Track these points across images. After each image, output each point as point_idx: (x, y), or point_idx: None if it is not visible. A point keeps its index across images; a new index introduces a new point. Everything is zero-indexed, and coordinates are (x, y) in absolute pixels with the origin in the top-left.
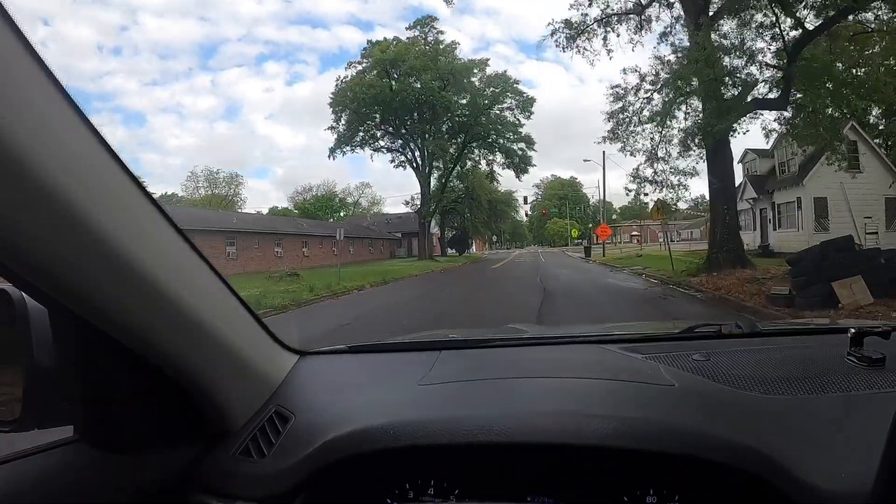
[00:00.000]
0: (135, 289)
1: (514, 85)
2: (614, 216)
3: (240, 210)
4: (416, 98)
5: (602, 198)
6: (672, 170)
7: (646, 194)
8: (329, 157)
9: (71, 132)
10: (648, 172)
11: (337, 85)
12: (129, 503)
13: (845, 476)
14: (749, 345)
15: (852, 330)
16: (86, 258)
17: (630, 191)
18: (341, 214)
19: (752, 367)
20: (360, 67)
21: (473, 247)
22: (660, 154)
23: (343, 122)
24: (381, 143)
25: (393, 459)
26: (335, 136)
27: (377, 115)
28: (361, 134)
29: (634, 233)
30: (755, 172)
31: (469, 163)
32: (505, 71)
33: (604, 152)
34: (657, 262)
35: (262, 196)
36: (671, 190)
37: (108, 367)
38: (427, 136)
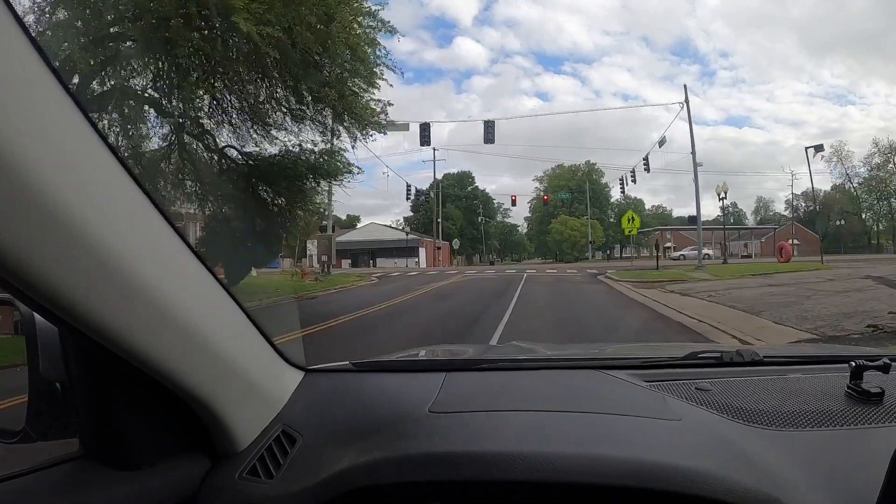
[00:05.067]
0: (141, 309)
1: None
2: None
3: None
4: None
5: None
6: None
7: None
8: None
9: (76, 142)
10: None
11: None
12: None
13: None
14: (750, 374)
15: (853, 364)
16: (90, 277)
17: None
18: None
19: (755, 398)
20: None
21: (406, 258)
22: None
23: None
24: None
25: (407, 491)
26: None
27: None
28: None
29: (668, 244)
30: None
31: None
32: None
33: None
34: None
35: None
36: None
37: (115, 382)
38: None
